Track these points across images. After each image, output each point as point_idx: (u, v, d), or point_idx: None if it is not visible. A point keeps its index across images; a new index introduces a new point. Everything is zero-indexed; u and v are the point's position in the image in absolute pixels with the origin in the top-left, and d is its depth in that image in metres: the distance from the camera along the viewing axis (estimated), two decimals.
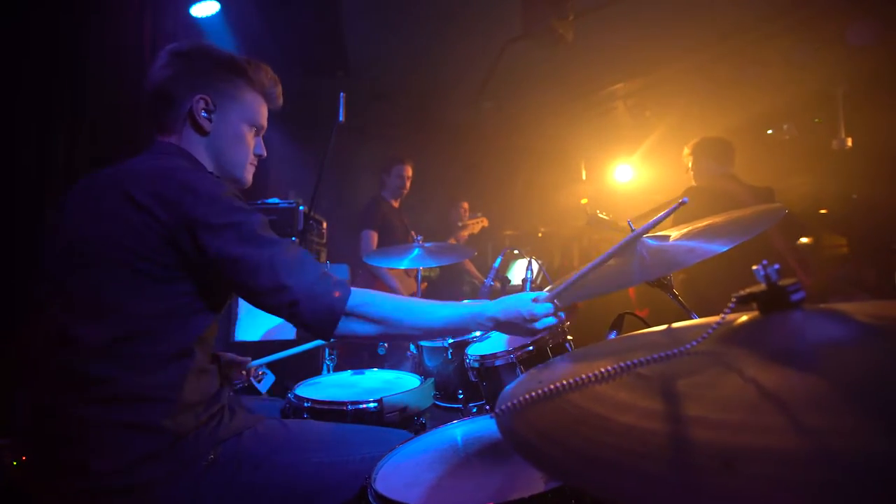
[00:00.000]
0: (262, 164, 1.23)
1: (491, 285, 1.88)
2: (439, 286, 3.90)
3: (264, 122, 1.19)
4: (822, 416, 0.35)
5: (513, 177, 6.09)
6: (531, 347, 1.30)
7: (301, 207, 3.41)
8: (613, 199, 5.29)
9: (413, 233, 3.63)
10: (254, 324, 2.12)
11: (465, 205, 4.26)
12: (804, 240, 4.39)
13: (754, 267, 0.56)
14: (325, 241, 3.80)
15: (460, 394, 1.65)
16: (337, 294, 0.98)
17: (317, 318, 0.97)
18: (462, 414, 1.63)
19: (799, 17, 3.57)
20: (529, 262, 1.61)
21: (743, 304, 0.57)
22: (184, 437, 0.97)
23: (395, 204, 3.51)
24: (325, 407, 1.35)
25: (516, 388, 0.63)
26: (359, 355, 2.13)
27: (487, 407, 1.49)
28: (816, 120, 4.19)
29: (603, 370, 0.53)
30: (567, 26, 3.07)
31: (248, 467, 1.02)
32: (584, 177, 6.06)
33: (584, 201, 6.07)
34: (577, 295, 1.11)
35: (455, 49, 3.99)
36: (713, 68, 4.22)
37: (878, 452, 0.31)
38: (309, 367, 1.91)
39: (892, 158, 3.64)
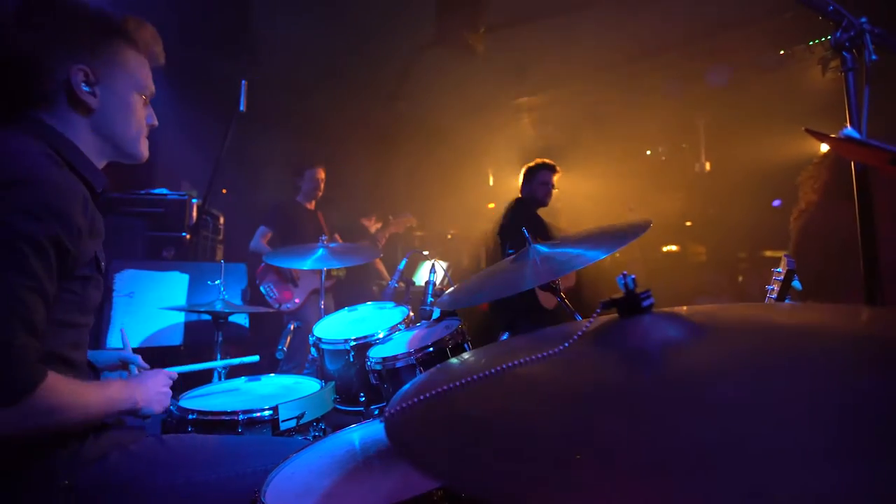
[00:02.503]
0: (149, 150, 1.11)
1: (395, 287, 1.89)
2: (347, 285, 3.82)
3: (152, 86, 1.06)
4: (650, 408, 0.42)
5: (424, 179, 6.16)
6: (431, 349, 1.34)
7: (194, 200, 3.15)
8: None
9: (338, 238, 3.55)
10: (130, 328, 1.90)
11: (374, 218, 4.24)
12: (673, 248, 5.09)
13: (617, 276, 0.65)
14: (221, 237, 3.53)
15: (362, 396, 1.64)
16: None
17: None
18: (363, 417, 1.61)
19: (668, 58, 4.17)
20: (433, 266, 1.65)
21: (607, 308, 0.65)
22: (33, 455, 0.85)
23: (310, 206, 3.43)
24: (214, 418, 1.26)
25: (405, 393, 0.64)
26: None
27: None
28: (683, 145, 4.88)
29: (479, 374, 0.56)
30: (478, 39, 3.20)
31: (116, 492, 0.92)
32: (491, 182, 6.33)
33: (491, 206, 6.35)
34: (471, 299, 1.16)
35: (371, 47, 3.96)
36: (605, 91, 4.72)
37: (682, 438, 0.38)
38: (197, 373, 1.76)
39: (740, 181, 4.39)
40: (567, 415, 0.46)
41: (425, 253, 5.15)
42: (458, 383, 0.58)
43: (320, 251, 2.17)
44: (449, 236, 5.90)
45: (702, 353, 0.53)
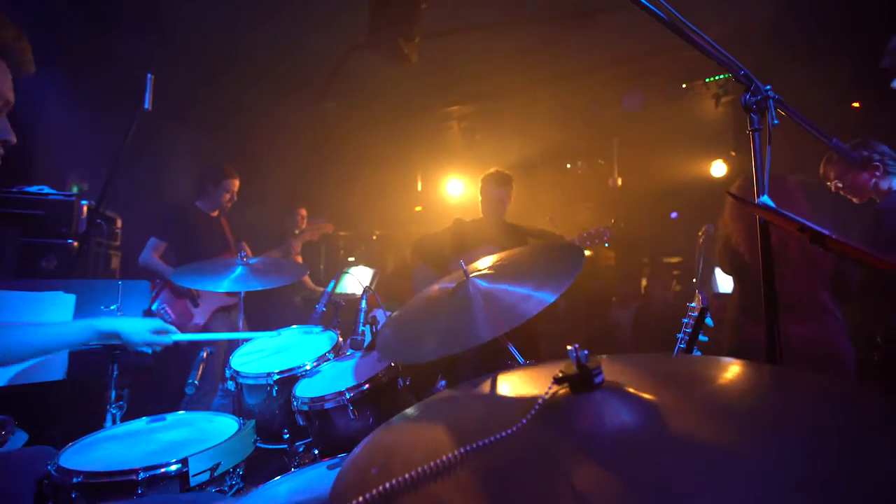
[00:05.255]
0: (27, 139, 0.94)
1: (323, 311, 1.78)
2: (269, 297, 3.56)
3: (9, 95, 0.91)
4: None
5: (350, 180, 6.01)
6: (365, 387, 1.27)
7: (84, 201, 2.74)
8: (446, 211, 5.67)
9: (245, 246, 3.24)
10: None
11: (303, 211, 3.97)
12: (586, 253, 5.53)
13: (569, 348, 0.64)
14: (118, 243, 3.13)
15: (286, 433, 1.53)
16: None
17: None
18: (287, 456, 1.50)
19: (585, 82, 4.51)
20: (364, 291, 1.57)
21: (559, 384, 0.64)
22: None
23: (213, 213, 3.15)
24: (106, 479, 1.07)
25: (351, 482, 0.59)
26: (161, 393, 1.79)
27: (316, 451, 1.41)
28: (600, 161, 5.35)
29: (430, 465, 0.53)
30: (412, 47, 3.14)
31: None
32: (419, 187, 6.31)
33: (418, 209, 6.35)
34: (417, 354, 1.11)
35: (300, 42, 3.72)
36: (529, 106, 4.95)
37: None
38: (85, 416, 1.52)
39: (645, 195, 4.90)
40: None
41: (351, 259, 4.99)
42: (411, 475, 0.54)
43: (238, 269, 1.97)
44: (374, 237, 5.84)
45: (653, 445, 0.54)
